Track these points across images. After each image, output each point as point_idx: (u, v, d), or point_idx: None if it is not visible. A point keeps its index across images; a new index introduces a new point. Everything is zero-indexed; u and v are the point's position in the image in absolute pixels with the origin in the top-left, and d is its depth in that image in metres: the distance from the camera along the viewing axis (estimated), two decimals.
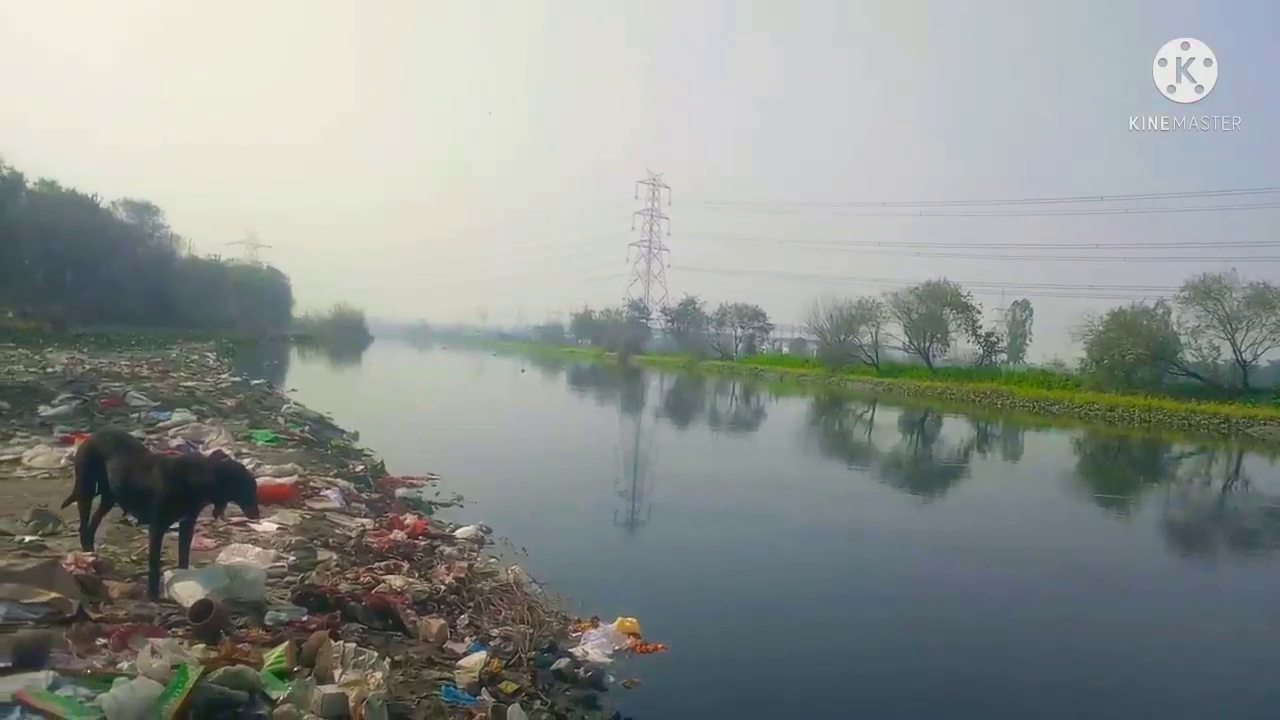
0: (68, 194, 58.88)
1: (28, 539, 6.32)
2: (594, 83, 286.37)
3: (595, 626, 6.57)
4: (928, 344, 67.81)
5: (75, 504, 5.94)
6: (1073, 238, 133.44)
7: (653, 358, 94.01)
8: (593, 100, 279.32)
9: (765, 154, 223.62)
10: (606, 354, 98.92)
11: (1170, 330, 52.13)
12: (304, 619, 5.25)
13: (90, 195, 62.06)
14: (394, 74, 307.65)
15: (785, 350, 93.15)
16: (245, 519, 7.51)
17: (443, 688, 4.64)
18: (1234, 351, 48.87)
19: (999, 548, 12.40)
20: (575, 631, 6.48)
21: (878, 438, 31.34)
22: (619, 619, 6.68)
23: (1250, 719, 6.93)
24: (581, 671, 5.68)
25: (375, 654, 4.48)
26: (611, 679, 5.76)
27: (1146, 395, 45.74)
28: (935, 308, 67.04)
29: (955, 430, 36.35)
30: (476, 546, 8.81)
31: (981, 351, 68.02)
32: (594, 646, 6.19)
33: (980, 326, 67.89)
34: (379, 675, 4.19)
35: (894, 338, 71.05)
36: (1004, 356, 71.97)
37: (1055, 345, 65.06)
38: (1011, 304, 74.63)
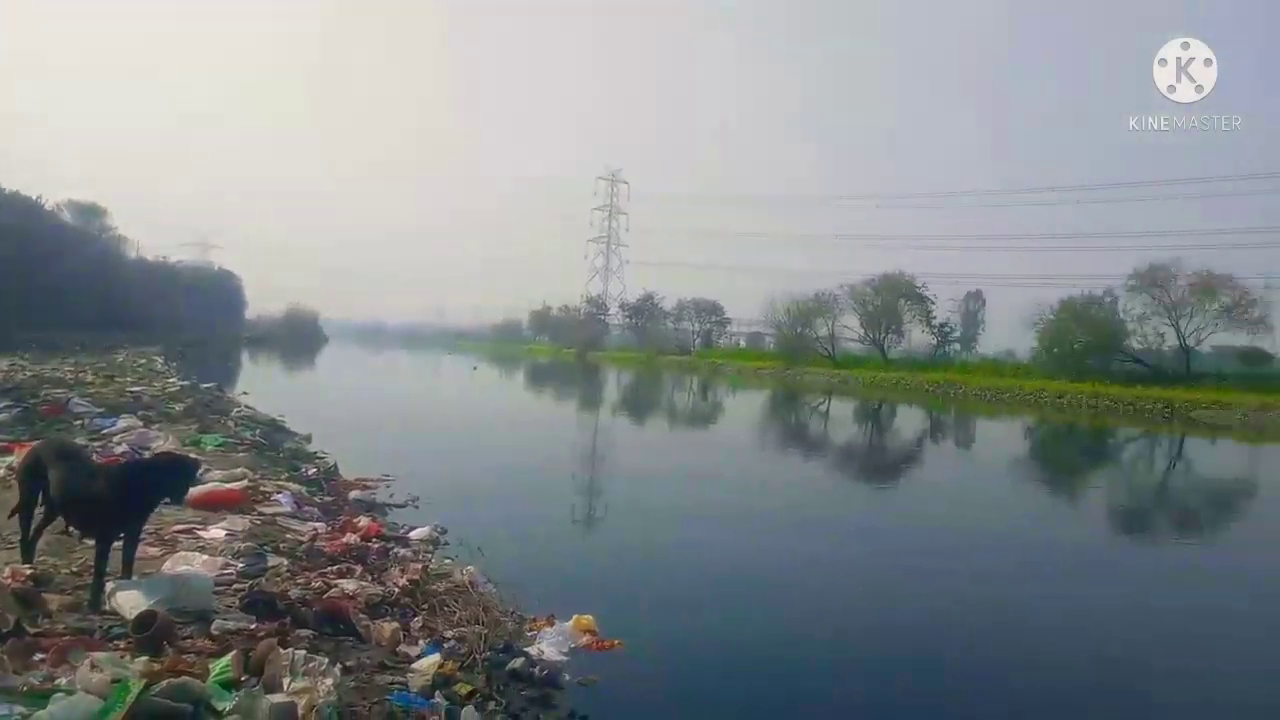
0: (10, 195, 57.09)
1: None
2: (554, 79, 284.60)
3: (551, 625, 6.55)
4: (883, 335, 68.67)
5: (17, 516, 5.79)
6: (1030, 228, 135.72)
7: (611, 354, 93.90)
8: (552, 96, 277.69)
9: (728, 149, 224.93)
10: (564, 351, 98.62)
11: (1118, 318, 53.57)
12: (252, 626, 5.16)
13: (34, 196, 60.23)
14: (350, 72, 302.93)
15: (743, 344, 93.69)
16: (191, 528, 7.44)
17: (395, 692, 4.60)
18: (1178, 338, 50.38)
19: (953, 532, 12.63)
20: (531, 631, 6.45)
21: (833, 429, 31.70)
22: (575, 617, 6.66)
23: None
24: (537, 670, 5.65)
25: (325, 660, 4.42)
26: (567, 677, 5.73)
27: (1093, 381, 46.84)
28: (891, 299, 67.90)
29: (907, 419, 36.88)
30: (431, 548, 8.72)
31: (935, 342, 69.13)
32: (549, 645, 6.17)
33: (934, 317, 69.00)
34: (329, 681, 4.14)
35: (850, 330, 71.92)
36: (957, 346, 73.26)
37: (1008, 335, 66.52)
38: (965, 295, 76.00)
